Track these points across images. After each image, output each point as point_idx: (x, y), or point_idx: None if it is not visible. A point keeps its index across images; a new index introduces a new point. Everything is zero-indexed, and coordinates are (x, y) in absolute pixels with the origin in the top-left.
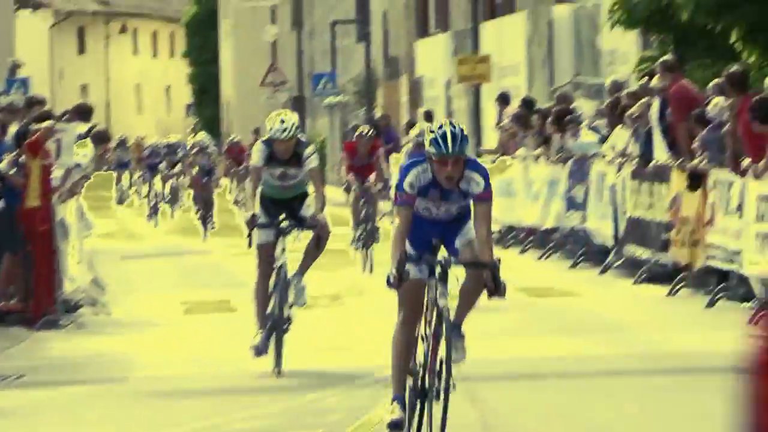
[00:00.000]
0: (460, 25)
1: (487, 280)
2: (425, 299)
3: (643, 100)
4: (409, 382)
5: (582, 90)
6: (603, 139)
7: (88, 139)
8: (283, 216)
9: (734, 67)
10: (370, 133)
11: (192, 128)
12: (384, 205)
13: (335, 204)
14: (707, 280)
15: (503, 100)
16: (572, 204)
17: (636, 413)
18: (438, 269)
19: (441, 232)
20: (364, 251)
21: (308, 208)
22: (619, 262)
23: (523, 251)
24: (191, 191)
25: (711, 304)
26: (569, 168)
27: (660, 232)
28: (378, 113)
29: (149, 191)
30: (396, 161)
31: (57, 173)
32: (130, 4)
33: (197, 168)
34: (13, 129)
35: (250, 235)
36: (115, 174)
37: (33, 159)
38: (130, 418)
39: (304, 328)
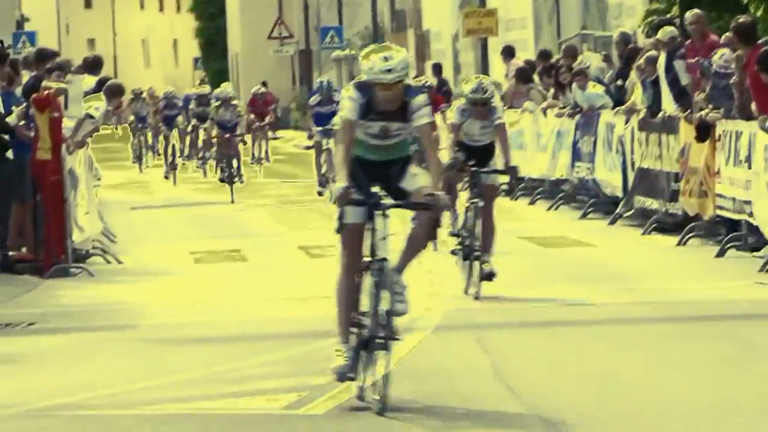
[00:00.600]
0: None
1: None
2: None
3: (650, 52)
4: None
5: (589, 43)
6: (608, 92)
7: (101, 93)
8: (378, 188)
9: (741, 19)
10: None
11: (200, 81)
12: None
13: None
14: (717, 229)
15: (508, 53)
16: (579, 155)
17: (645, 360)
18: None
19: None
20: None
21: (413, 179)
22: (629, 213)
23: (532, 202)
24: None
25: (721, 253)
26: (577, 120)
27: (669, 182)
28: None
29: (165, 146)
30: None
31: (67, 124)
32: None
33: (213, 123)
34: (24, 80)
35: (342, 217)
36: (131, 130)
37: (41, 114)
38: (140, 364)
39: (315, 276)
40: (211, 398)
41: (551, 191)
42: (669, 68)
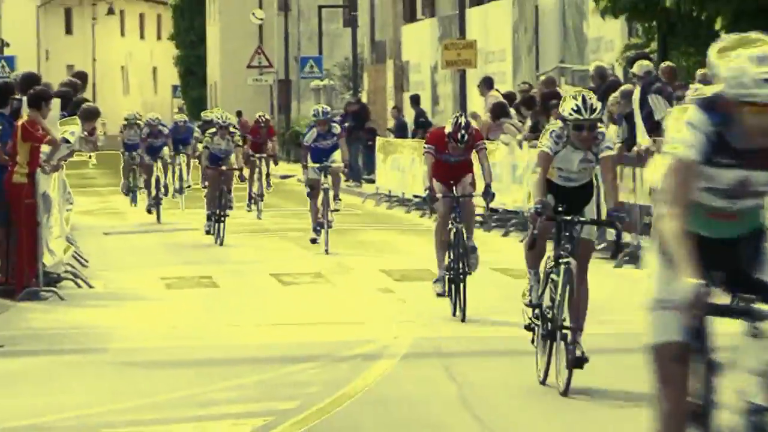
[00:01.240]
0: (446, 10)
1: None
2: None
3: (623, 88)
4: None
5: (567, 76)
6: None
7: (77, 116)
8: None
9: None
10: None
11: (178, 109)
12: None
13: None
14: None
15: (486, 84)
16: None
17: (616, 391)
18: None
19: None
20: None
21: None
22: (602, 245)
23: (506, 234)
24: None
25: None
26: None
27: (642, 216)
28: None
29: (148, 178)
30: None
31: (44, 149)
32: None
33: (207, 153)
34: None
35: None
36: (123, 157)
37: (24, 142)
38: (107, 387)
39: (286, 303)
40: (178, 421)
41: (525, 223)
42: (644, 102)
